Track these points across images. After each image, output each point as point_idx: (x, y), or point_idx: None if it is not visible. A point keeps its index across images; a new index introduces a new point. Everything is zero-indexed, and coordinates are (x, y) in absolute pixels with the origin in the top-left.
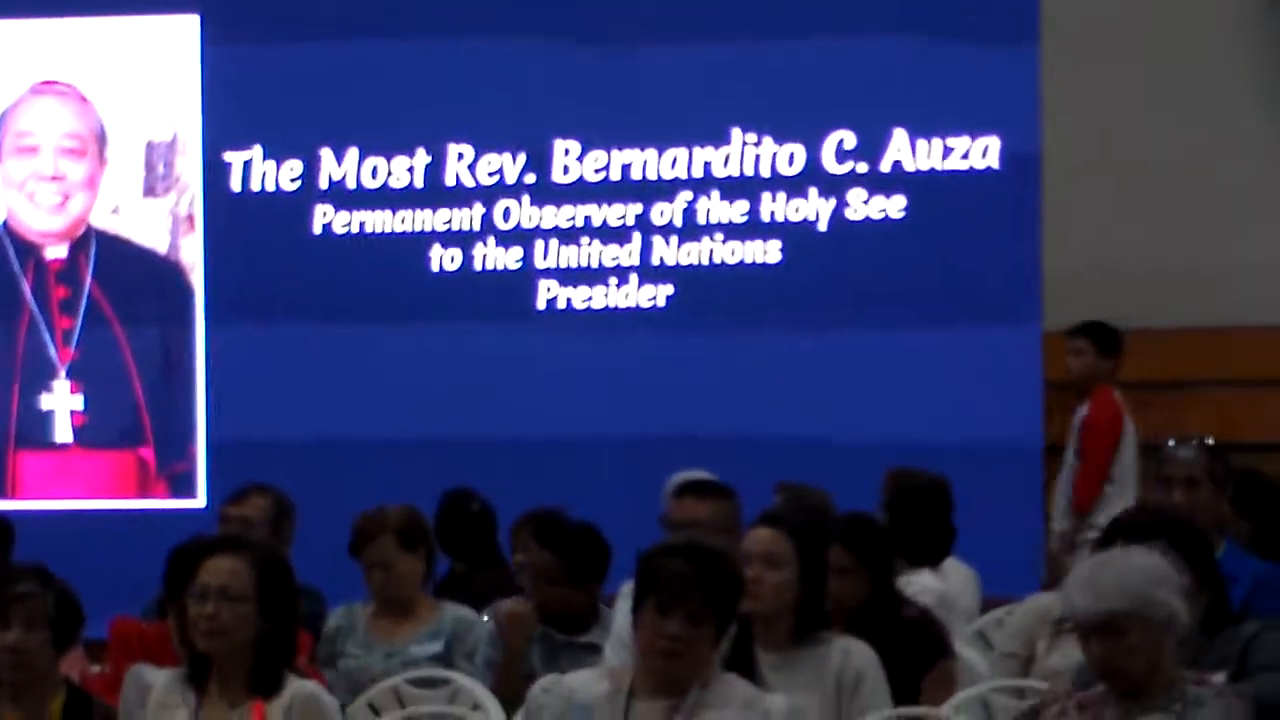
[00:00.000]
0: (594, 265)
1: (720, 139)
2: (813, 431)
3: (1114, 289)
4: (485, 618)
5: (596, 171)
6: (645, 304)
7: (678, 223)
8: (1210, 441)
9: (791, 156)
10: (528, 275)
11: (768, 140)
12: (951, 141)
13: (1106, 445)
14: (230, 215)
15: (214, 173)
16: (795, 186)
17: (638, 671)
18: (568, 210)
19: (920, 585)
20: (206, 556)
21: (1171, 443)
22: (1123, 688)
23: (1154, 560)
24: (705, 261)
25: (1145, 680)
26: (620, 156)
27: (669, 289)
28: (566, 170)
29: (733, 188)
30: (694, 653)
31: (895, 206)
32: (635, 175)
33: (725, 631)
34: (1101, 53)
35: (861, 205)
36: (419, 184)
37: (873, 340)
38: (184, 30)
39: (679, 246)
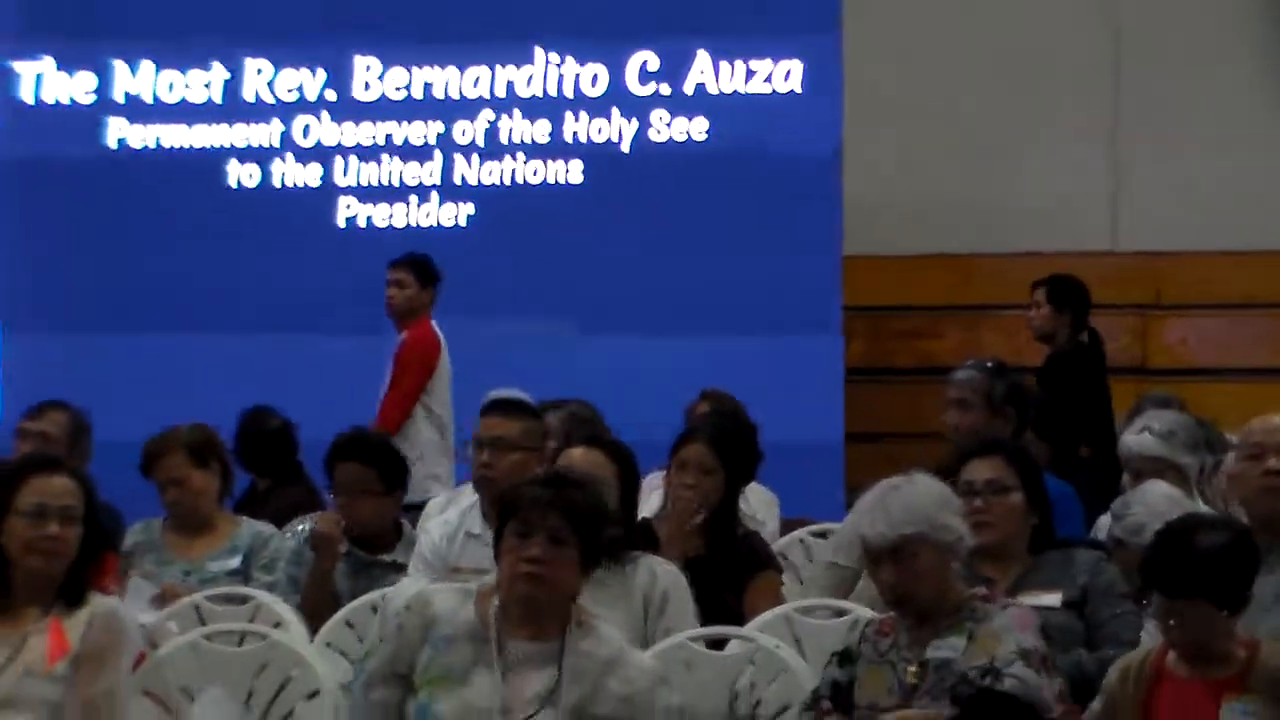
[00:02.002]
0: (395, 184)
1: (523, 58)
2: (607, 348)
3: (913, 215)
4: (288, 534)
5: (397, 89)
6: (446, 223)
7: (480, 142)
8: (990, 364)
9: (595, 77)
10: (327, 192)
11: (570, 60)
12: (754, 65)
13: (419, 373)
14: (22, 125)
15: (4, 82)
16: (598, 107)
17: (503, 606)
18: (368, 128)
19: None
20: (27, 475)
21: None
22: (914, 613)
23: (939, 486)
24: (507, 181)
25: (934, 604)
26: (421, 74)
27: (470, 208)
28: (367, 87)
29: (535, 107)
30: (556, 575)
31: (698, 129)
32: (437, 94)
33: (592, 560)
34: None
35: (664, 127)
36: (217, 99)
37: (675, 265)
38: None
39: (480, 165)
